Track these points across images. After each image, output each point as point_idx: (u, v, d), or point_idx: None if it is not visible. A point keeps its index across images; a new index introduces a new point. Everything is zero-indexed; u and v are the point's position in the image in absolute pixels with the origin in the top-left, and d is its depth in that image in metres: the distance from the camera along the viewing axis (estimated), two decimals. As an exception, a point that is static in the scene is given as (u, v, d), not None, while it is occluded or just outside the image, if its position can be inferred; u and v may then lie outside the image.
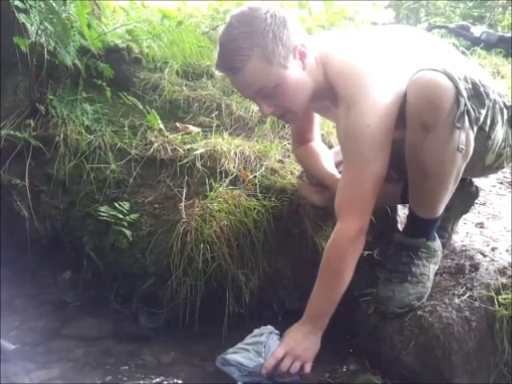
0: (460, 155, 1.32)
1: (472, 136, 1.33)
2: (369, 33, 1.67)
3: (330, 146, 1.93)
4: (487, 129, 1.38)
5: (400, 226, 1.86)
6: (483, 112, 1.34)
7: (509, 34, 4.24)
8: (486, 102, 1.34)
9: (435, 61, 1.36)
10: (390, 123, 1.36)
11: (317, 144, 1.79)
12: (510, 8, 6.19)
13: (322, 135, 1.84)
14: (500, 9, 6.32)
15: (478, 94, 1.32)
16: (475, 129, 1.33)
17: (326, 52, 1.46)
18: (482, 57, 3.69)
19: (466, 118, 1.29)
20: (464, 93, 1.27)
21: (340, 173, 1.62)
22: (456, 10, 6.93)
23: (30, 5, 2.04)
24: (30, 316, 1.69)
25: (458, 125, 1.27)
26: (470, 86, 1.31)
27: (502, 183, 2.41)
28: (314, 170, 1.74)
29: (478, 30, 4.20)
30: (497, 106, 1.39)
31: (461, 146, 1.30)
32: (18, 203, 1.89)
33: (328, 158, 1.75)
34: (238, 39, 1.36)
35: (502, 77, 3.29)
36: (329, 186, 1.65)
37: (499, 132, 1.43)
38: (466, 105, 1.27)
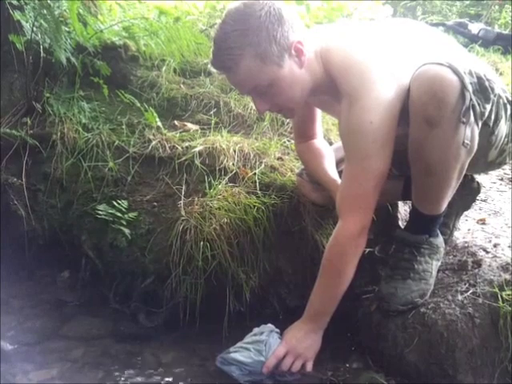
0: (464, 151, 1.31)
1: (477, 131, 1.32)
2: (371, 26, 1.65)
3: (330, 143, 1.91)
4: (491, 124, 1.36)
5: (401, 223, 1.85)
6: (488, 107, 1.32)
7: (506, 32, 4.25)
8: (491, 96, 1.32)
9: (439, 55, 1.35)
10: (393, 119, 1.34)
11: (319, 142, 1.77)
12: (506, 6, 6.21)
13: (322, 132, 1.83)
14: (497, 7, 6.33)
15: (483, 89, 1.30)
16: (480, 124, 1.31)
17: (327, 46, 1.44)
18: (479, 54, 3.70)
19: (472, 112, 1.27)
20: (469, 87, 1.25)
21: (341, 172, 1.60)
22: (453, 8, 6.94)
23: (24, 2, 2.02)
24: (28, 316, 1.67)
25: (464, 120, 1.26)
26: (475, 81, 1.29)
27: (502, 179, 2.41)
28: (315, 170, 1.72)
29: (475, 28, 4.20)
30: (501, 100, 1.37)
31: (466, 142, 1.28)
32: (15, 202, 1.87)
33: (330, 159, 1.73)
34: (231, 37, 1.34)
35: (501, 74, 3.30)
36: (330, 191, 1.63)
37: (503, 127, 1.41)
38: (471, 99, 1.26)
